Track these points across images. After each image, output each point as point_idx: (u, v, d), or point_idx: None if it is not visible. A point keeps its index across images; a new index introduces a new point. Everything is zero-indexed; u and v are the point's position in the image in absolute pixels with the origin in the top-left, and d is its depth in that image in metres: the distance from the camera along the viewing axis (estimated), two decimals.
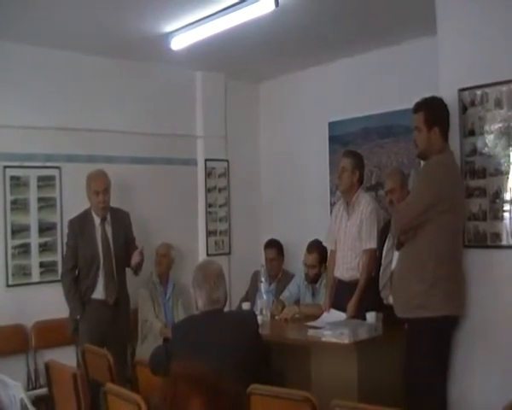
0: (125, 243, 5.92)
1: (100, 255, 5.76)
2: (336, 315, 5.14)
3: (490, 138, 4.28)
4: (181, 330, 3.90)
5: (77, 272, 5.79)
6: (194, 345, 3.66)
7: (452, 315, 4.25)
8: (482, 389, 3.97)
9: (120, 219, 5.97)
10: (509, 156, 4.11)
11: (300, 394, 3.36)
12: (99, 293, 5.75)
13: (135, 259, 5.78)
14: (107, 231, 5.84)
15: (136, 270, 5.93)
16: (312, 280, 6.08)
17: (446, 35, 4.54)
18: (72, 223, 5.91)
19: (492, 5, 4.26)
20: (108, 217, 5.88)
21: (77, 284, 5.74)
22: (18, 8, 5.28)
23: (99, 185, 5.81)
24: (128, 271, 6.03)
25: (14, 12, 5.35)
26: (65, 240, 5.98)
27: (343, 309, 5.23)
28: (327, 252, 5.80)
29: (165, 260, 6.83)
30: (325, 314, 5.24)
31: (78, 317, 5.69)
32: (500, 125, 4.16)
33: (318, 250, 5.93)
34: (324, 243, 5.85)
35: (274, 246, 7.19)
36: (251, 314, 4.32)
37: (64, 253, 5.99)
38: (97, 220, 5.83)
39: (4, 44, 6.05)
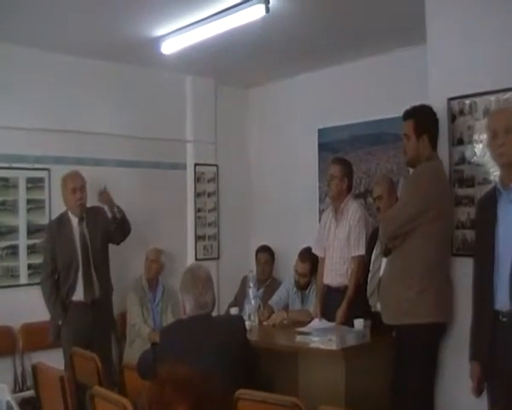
0: (105, 238, 5.92)
1: (79, 257, 5.75)
2: (326, 324, 5.13)
3: (478, 147, 4.29)
4: (169, 335, 3.89)
5: (56, 275, 5.76)
6: (181, 349, 3.65)
7: (440, 322, 4.26)
8: (470, 395, 3.96)
9: (96, 217, 5.97)
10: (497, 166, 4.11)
11: (288, 399, 3.35)
12: (80, 295, 5.73)
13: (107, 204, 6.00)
14: (85, 232, 5.83)
15: (112, 209, 6.05)
16: (302, 287, 6.09)
17: (435, 44, 4.55)
18: (49, 226, 5.96)
19: (482, 16, 4.28)
20: (85, 217, 5.87)
21: (57, 289, 5.72)
22: (11, 11, 5.28)
23: (76, 183, 5.83)
24: (113, 274, 6.03)
25: (5, 15, 5.35)
26: None
27: (332, 315, 5.24)
28: (318, 261, 5.79)
29: (155, 265, 6.81)
30: (315, 321, 5.23)
31: (60, 322, 5.67)
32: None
33: (311, 260, 5.92)
34: (313, 251, 5.84)
35: (267, 250, 7.31)
36: (239, 319, 4.31)
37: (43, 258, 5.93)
38: (75, 221, 5.83)
39: None
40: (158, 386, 1.82)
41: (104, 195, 6.05)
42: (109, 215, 6.05)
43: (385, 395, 4.32)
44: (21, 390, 5.86)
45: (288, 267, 6.87)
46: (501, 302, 3.50)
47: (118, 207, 6.06)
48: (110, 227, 6.00)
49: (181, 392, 1.77)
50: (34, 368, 4.47)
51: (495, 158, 3.69)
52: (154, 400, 1.79)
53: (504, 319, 3.50)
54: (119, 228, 6.05)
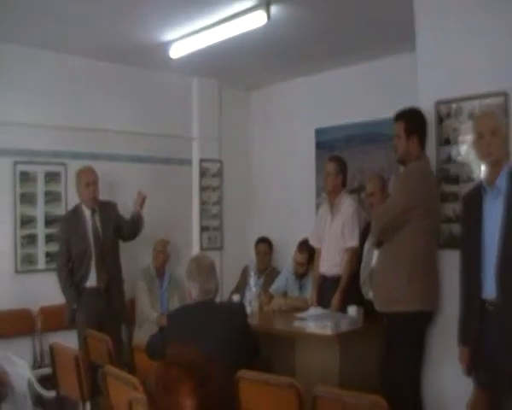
0: (115, 230, 5.94)
1: (91, 247, 5.78)
2: (322, 311, 5.13)
3: (463, 148, 4.30)
4: (176, 319, 3.90)
5: (71, 264, 5.78)
6: (187, 333, 3.66)
7: (426, 311, 4.27)
8: (454, 378, 3.99)
9: (108, 211, 5.99)
10: (479, 165, 4.12)
11: (286, 380, 3.38)
12: (92, 281, 5.77)
13: (137, 207, 6.03)
14: (97, 223, 5.86)
15: (138, 218, 6.06)
16: (300, 276, 6.12)
17: (425, 52, 4.56)
18: (64, 218, 6.01)
19: (467, 27, 4.28)
20: (97, 209, 5.89)
21: (72, 276, 5.75)
22: (33, 16, 5.34)
23: (90, 177, 5.87)
24: (124, 261, 6.08)
25: (28, 19, 5.41)
26: None
27: (327, 303, 5.27)
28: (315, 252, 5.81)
29: (162, 255, 6.85)
30: (312, 309, 5.24)
31: (75, 306, 5.70)
32: (472, 136, 4.16)
33: (308, 250, 5.95)
34: (310, 242, 5.86)
35: (266, 242, 7.32)
36: (240, 305, 4.34)
37: (58, 247, 5.97)
38: (88, 214, 5.85)
39: (17, 49, 6.08)
40: (165, 367, 1.84)
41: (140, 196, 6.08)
42: (131, 213, 6.09)
43: (376, 377, 4.34)
44: (40, 367, 5.89)
45: (285, 257, 6.91)
46: (487, 292, 3.54)
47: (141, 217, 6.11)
48: (121, 223, 6.01)
49: (186, 373, 1.79)
50: (51, 348, 4.52)
51: (482, 157, 3.70)
52: (161, 379, 1.81)
53: (491, 308, 3.53)
54: (131, 228, 6.08)
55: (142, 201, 6.06)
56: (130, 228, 6.06)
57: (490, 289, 3.52)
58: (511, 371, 3.44)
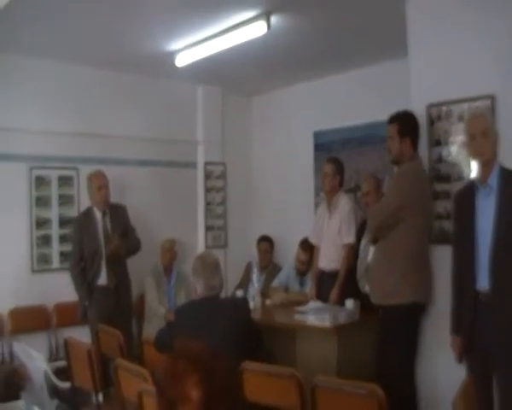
0: (122, 233, 5.90)
1: (102, 247, 5.77)
2: (321, 304, 5.13)
3: (453, 149, 4.30)
4: (182, 314, 3.90)
5: (83, 263, 5.78)
6: (193, 327, 3.66)
7: (420, 303, 4.27)
8: (446, 367, 3.99)
9: (118, 213, 5.96)
10: (469, 164, 4.13)
11: (287, 370, 3.39)
12: (103, 280, 5.77)
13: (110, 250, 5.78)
14: (107, 225, 5.85)
15: (118, 255, 5.83)
16: (302, 272, 6.13)
17: (416, 58, 4.56)
18: (77, 220, 6.01)
19: (456, 34, 4.27)
20: (108, 212, 5.88)
21: (84, 274, 5.76)
22: (49, 31, 5.40)
23: (101, 181, 5.86)
24: (133, 260, 6.10)
25: (43, 33, 5.46)
26: None
27: (326, 297, 5.28)
28: None
29: (169, 253, 6.84)
30: (311, 303, 5.23)
31: (87, 303, 5.71)
32: (462, 137, 4.16)
33: (310, 250, 5.94)
34: (310, 239, 5.85)
35: (267, 240, 7.29)
36: (244, 300, 4.33)
37: (71, 247, 5.96)
38: (99, 216, 5.84)
39: (31, 61, 6.11)
40: (172, 359, 1.83)
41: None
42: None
43: (372, 366, 4.33)
44: (55, 360, 5.90)
45: (286, 254, 6.92)
46: (481, 284, 3.56)
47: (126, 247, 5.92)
48: (128, 227, 6.00)
49: (192, 365, 1.79)
50: (66, 342, 4.52)
51: (474, 157, 3.72)
52: (169, 371, 1.81)
53: (484, 298, 3.55)
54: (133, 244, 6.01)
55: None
56: (131, 243, 5.98)
57: (483, 282, 3.55)
58: (502, 357, 3.48)
